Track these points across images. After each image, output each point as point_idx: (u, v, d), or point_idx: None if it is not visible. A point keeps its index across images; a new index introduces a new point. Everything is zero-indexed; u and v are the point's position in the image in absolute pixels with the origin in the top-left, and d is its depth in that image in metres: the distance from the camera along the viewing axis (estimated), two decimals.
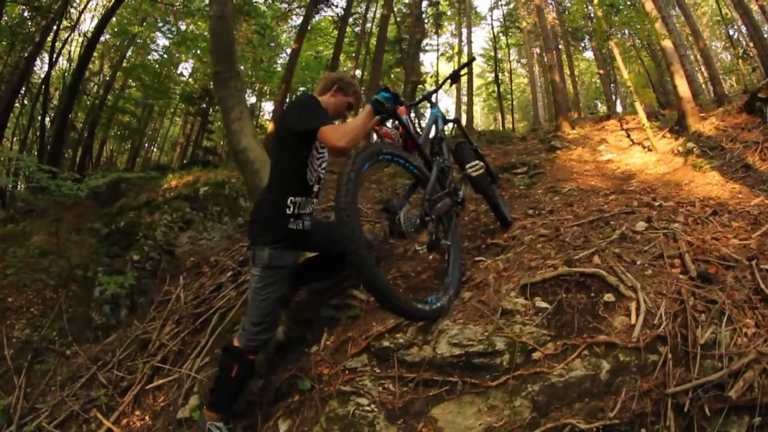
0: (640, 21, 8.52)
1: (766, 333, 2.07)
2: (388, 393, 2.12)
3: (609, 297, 2.37)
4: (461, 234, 3.73)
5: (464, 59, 20.52)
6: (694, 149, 6.07)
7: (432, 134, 3.15)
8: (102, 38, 13.45)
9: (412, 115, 3.63)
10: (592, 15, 11.31)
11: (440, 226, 2.71)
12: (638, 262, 2.71)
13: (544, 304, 2.33)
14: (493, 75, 21.25)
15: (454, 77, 3.50)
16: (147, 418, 3.26)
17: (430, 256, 3.05)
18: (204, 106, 13.99)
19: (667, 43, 8.55)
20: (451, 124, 3.89)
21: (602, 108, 22.02)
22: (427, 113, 3.38)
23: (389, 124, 2.96)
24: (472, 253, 3.31)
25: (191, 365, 3.47)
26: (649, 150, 7.34)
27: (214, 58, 4.44)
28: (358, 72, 16.58)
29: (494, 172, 3.88)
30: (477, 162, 3.23)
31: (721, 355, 2.00)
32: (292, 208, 2.56)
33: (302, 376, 2.50)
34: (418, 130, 3.23)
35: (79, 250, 5.80)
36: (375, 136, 3.08)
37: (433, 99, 3.38)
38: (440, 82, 3.67)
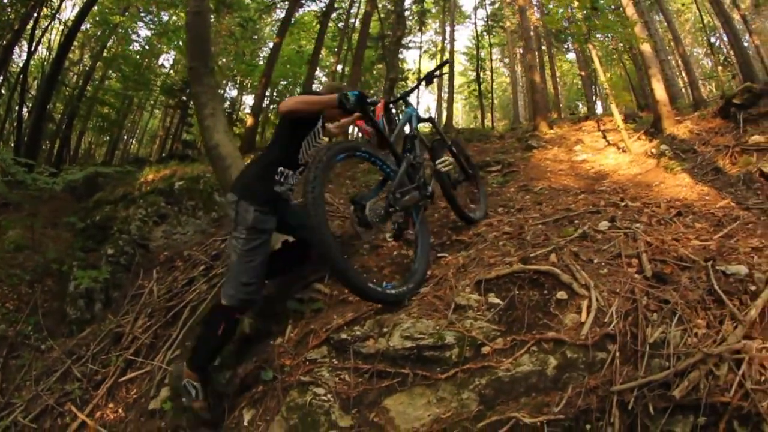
0: (620, 25, 8.64)
1: (716, 334, 2.10)
2: (343, 383, 2.20)
3: (562, 294, 2.45)
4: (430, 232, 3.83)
5: (447, 57, 20.67)
6: (667, 151, 6.19)
7: (405, 132, 3.36)
8: (83, 27, 13.21)
9: (394, 111, 3.74)
10: (572, 18, 11.44)
11: (409, 219, 2.96)
12: (595, 261, 2.78)
13: (497, 300, 2.42)
14: (475, 74, 21.33)
15: (429, 79, 3.68)
16: (120, 410, 3.31)
17: (395, 252, 3.15)
18: (184, 98, 13.84)
19: (646, 47, 8.69)
20: (427, 123, 4.02)
21: (583, 109, 22.30)
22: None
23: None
24: (436, 249, 3.40)
25: (163, 358, 3.53)
26: (624, 151, 7.46)
27: (189, 53, 4.47)
28: (339, 67, 16.60)
29: (469, 171, 4.10)
30: (446, 158, 3.49)
31: (669, 354, 2.04)
32: (279, 176, 2.80)
33: (266, 367, 2.57)
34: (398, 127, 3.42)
35: (55, 245, 5.77)
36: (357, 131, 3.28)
37: (410, 99, 3.62)
38: (415, 84, 3.88)
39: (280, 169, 2.80)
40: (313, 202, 2.34)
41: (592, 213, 3.72)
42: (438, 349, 2.17)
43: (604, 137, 8.98)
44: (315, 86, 15.15)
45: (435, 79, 3.83)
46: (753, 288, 2.35)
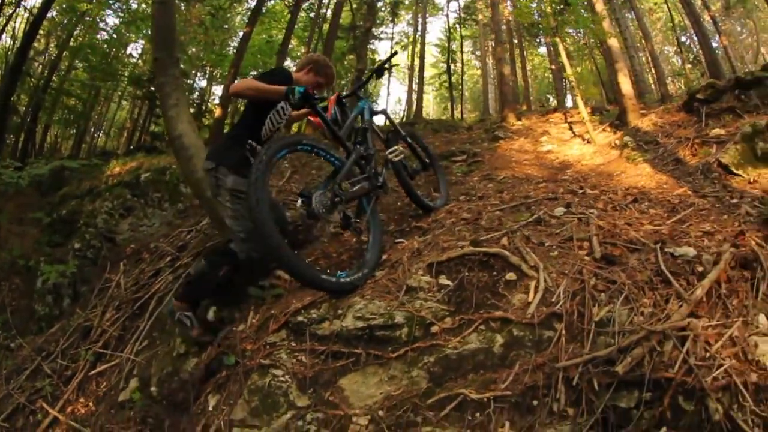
0: (590, 20, 8.77)
1: (661, 313, 2.14)
2: (300, 364, 2.30)
3: (511, 276, 2.53)
4: (384, 218, 3.95)
5: (418, 49, 20.76)
6: (630, 143, 6.33)
7: (356, 125, 3.48)
8: (49, 15, 12.77)
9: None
10: (542, 12, 11.58)
11: (361, 208, 3.10)
12: (546, 244, 2.85)
13: (447, 282, 2.52)
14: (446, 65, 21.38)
15: (379, 71, 3.85)
16: (90, 404, 3.36)
17: (354, 240, 3.24)
18: (152, 89, 13.55)
19: (614, 42, 8.85)
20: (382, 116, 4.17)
21: (553, 102, 22.61)
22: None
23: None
24: (395, 235, 3.51)
25: (131, 349, 3.58)
26: (588, 142, 7.60)
27: (154, 44, 4.45)
28: None
29: (426, 160, 4.26)
30: (396, 148, 3.58)
31: (615, 332, 2.09)
32: (249, 147, 2.86)
33: (229, 352, 2.65)
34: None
35: (21, 241, 5.70)
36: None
37: (382, 91, 3.90)
38: (365, 78, 3.98)
39: (249, 141, 2.89)
40: (256, 204, 2.38)
41: (550, 200, 3.79)
42: (388, 329, 2.27)
43: (571, 129, 9.11)
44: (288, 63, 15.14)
45: (382, 74, 3.98)
46: (700, 269, 2.39)
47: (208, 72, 18.70)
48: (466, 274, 2.56)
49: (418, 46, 21.77)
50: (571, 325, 2.21)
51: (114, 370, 3.54)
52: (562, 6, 9.08)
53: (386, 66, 3.85)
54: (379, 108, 3.91)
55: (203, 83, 19.40)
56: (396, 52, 4.12)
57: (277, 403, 2.22)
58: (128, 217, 5.34)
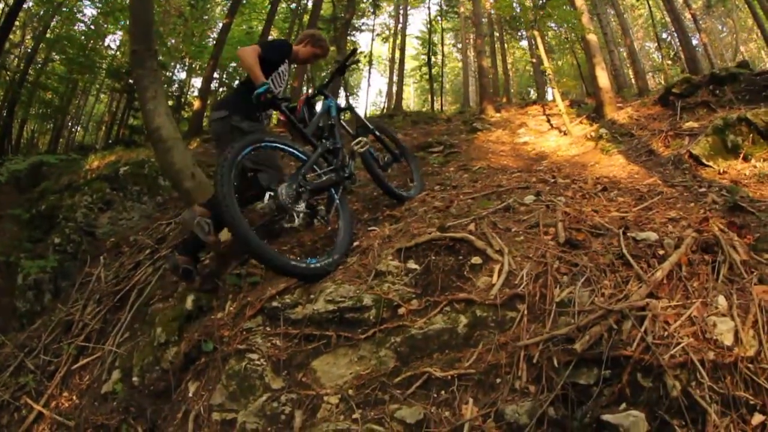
0: (568, 14, 8.89)
1: (621, 293, 2.20)
2: (275, 348, 2.38)
3: (476, 260, 2.62)
4: (358, 208, 4.11)
5: (399, 41, 20.75)
6: (605, 134, 6.48)
7: (322, 122, 3.71)
8: (24, 6, 12.45)
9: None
10: (519, 6, 11.64)
11: (331, 199, 3.29)
12: (513, 230, 2.92)
13: (415, 266, 2.62)
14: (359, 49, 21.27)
15: (341, 69, 4.08)
16: (74, 397, 3.40)
17: (328, 229, 3.33)
18: (131, 81, 13.35)
19: (592, 37, 8.98)
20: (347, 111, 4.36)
21: (534, 95, 22.76)
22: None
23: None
24: (369, 223, 3.61)
25: (113, 341, 3.61)
26: (565, 134, 7.74)
27: (132, 36, 4.44)
28: None
29: (396, 151, 4.46)
30: (361, 139, 3.77)
31: (575, 312, 2.15)
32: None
33: (207, 339, 2.72)
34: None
35: (1, 238, 5.69)
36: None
37: (361, 82, 4.19)
38: (330, 77, 4.17)
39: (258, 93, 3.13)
40: (223, 198, 2.57)
41: (522, 189, 3.87)
42: (357, 311, 2.37)
43: (548, 121, 9.25)
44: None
45: (344, 71, 4.19)
46: (662, 252, 2.46)
47: (187, 64, 18.44)
48: (433, 258, 2.65)
49: (399, 38, 21.71)
50: (533, 306, 2.29)
51: (96, 363, 3.57)
52: (542, 0, 9.17)
53: (347, 63, 4.05)
54: (344, 105, 4.10)
55: (182, 75, 19.13)
56: (356, 49, 4.34)
57: (253, 387, 2.31)
58: (108, 211, 5.35)
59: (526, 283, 2.40)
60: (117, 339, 3.63)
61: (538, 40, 9.30)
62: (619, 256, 2.48)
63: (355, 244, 3.15)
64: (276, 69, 3.51)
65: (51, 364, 3.79)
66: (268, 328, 2.52)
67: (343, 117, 4.05)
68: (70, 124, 18.61)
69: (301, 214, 2.92)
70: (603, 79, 8.43)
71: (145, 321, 3.52)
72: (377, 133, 4.25)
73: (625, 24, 16.19)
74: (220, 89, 18.27)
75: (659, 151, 5.27)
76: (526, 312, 2.27)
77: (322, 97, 3.92)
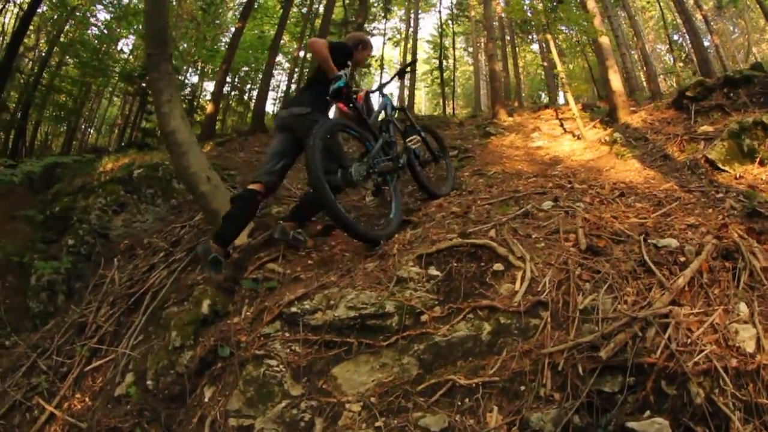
0: (579, 17, 8.83)
1: (644, 301, 2.21)
2: (294, 354, 2.35)
3: (498, 266, 2.61)
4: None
5: (410, 44, 20.80)
6: (620, 139, 6.38)
7: (381, 117, 4.22)
8: (39, 10, 12.60)
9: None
10: (531, 10, 11.59)
11: (384, 181, 3.79)
12: (533, 236, 2.92)
13: (436, 272, 2.59)
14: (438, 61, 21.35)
15: (400, 74, 4.62)
16: (87, 399, 3.36)
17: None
18: (144, 85, 13.45)
19: (604, 40, 8.85)
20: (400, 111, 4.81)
21: (545, 98, 22.66)
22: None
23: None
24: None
25: (126, 344, 3.57)
26: (579, 138, 7.62)
27: (147, 39, 4.45)
28: (302, 53, 16.40)
29: (438, 153, 4.88)
30: (414, 137, 4.28)
31: (599, 319, 2.15)
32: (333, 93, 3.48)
33: (223, 344, 2.69)
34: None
35: (14, 239, 5.70)
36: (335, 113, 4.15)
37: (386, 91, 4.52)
38: (389, 79, 4.77)
39: (327, 97, 3.54)
40: (315, 168, 3.02)
41: (539, 194, 3.87)
42: (379, 318, 2.33)
43: (561, 125, 9.14)
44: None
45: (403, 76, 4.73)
46: (683, 259, 2.46)
47: (199, 68, 18.57)
48: (455, 264, 2.63)
49: (411, 42, 21.72)
50: (556, 313, 2.28)
51: (110, 365, 3.53)
52: (554, 3, 9.12)
53: (407, 70, 4.58)
54: (398, 105, 4.67)
55: (195, 79, 19.27)
56: (416, 60, 4.99)
57: (271, 393, 2.27)
58: (121, 214, 5.35)
59: (548, 290, 2.39)
60: (131, 342, 3.60)
61: (551, 43, 9.19)
62: (641, 263, 2.48)
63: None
64: (342, 70, 3.65)
65: (63, 365, 3.76)
66: (286, 334, 2.48)
67: (394, 115, 4.43)
68: (83, 126, 18.78)
69: (369, 192, 3.31)
70: (616, 82, 8.33)
71: (159, 324, 3.49)
72: (422, 133, 4.56)
73: (637, 26, 16.04)
74: (232, 93, 18.38)
75: (674, 156, 5.22)
76: (549, 319, 2.27)
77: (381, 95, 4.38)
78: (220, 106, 13.02)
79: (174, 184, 5.72)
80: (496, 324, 2.28)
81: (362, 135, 3.76)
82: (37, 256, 5.09)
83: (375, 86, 4.63)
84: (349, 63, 3.79)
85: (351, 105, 3.77)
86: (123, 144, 14.16)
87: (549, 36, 9.07)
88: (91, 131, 20.57)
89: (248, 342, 2.57)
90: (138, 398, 3.03)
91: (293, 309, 2.55)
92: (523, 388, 2.04)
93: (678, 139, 5.53)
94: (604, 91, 16.13)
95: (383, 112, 4.26)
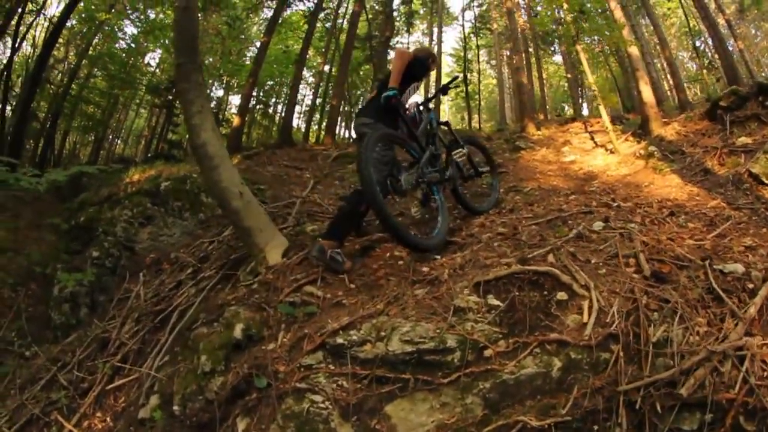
0: (608, 28, 8.71)
1: (718, 332, 2.13)
2: (342, 390, 2.14)
3: (562, 295, 2.44)
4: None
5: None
6: (656, 152, 6.23)
7: (427, 130, 4.26)
8: (68, 24, 12.92)
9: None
10: (561, 20, 11.47)
11: (431, 192, 3.85)
12: (593, 261, 2.78)
13: (497, 302, 2.39)
14: (462, 75, 21.34)
15: (444, 90, 4.60)
16: (108, 419, 3.21)
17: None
18: (170, 98, 13.58)
19: (634, 50, 8.75)
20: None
21: (569, 111, 22.44)
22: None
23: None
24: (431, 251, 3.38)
25: (151, 364, 3.41)
26: (612, 152, 7.46)
27: (176, 50, 4.35)
28: (327, 68, 16.48)
29: (483, 167, 5.05)
30: (460, 150, 4.39)
31: (673, 353, 2.06)
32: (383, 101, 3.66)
33: (259, 373, 2.49)
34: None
35: (38, 247, 5.63)
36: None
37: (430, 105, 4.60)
38: (433, 94, 4.97)
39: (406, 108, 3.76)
40: (367, 176, 3.01)
41: (585, 213, 3.76)
42: (439, 353, 2.13)
43: (592, 138, 8.96)
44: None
45: (447, 92, 4.74)
46: (751, 286, 2.37)
47: (225, 82, 18.80)
48: (516, 293, 2.44)
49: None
50: (627, 347, 2.17)
51: (133, 385, 3.38)
52: (580, 13, 8.98)
53: (450, 86, 4.55)
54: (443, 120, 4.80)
55: (220, 93, 19.52)
56: (458, 76, 5.54)
57: (316, 431, 2.06)
58: (148, 226, 5.23)
59: (618, 321, 2.25)
60: (156, 362, 3.43)
61: (582, 55, 9.00)
62: (708, 290, 2.40)
63: (424, 270, 2.99)
64: (415, 82, 3.96)
65: (84, 381, 3.60)
66: (331, 366, 2.27)
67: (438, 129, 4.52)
68: (110, 137, 19.17)
69: (417, 203, 3.56)
70: (647, 93, 8.12)
71: (187, 346, 3.30)
72: (466, 147, 4.62)
73: (662, 35, 15.66)
74: (258, 107, 18.51)
75: (715, 170, 5.08)
76: (621, 353, 2.13)
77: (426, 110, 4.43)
78: (246, 119, 13.05)
79: (202, 197, 5.59)
80: (566, 359, 2.12)
81: (411, 146, 3.84)
82: (61, 266, 5.00)
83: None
84: (423, 77, 4.01)
85: (400, 116, 3.83)
86: (150, 155, 14.31)
87: (579, 47, 8.88)
88: (119, 142, 20.98)
89: (287, 373, 2.37)
90: (163, 423, 2.86)
91: (339, 339, 2.33)
92: (596, 427, 1.94)
93: (717, 152, 5.42)
94: (629, 102, 15.94)
95: (429, 125, 4.34)
